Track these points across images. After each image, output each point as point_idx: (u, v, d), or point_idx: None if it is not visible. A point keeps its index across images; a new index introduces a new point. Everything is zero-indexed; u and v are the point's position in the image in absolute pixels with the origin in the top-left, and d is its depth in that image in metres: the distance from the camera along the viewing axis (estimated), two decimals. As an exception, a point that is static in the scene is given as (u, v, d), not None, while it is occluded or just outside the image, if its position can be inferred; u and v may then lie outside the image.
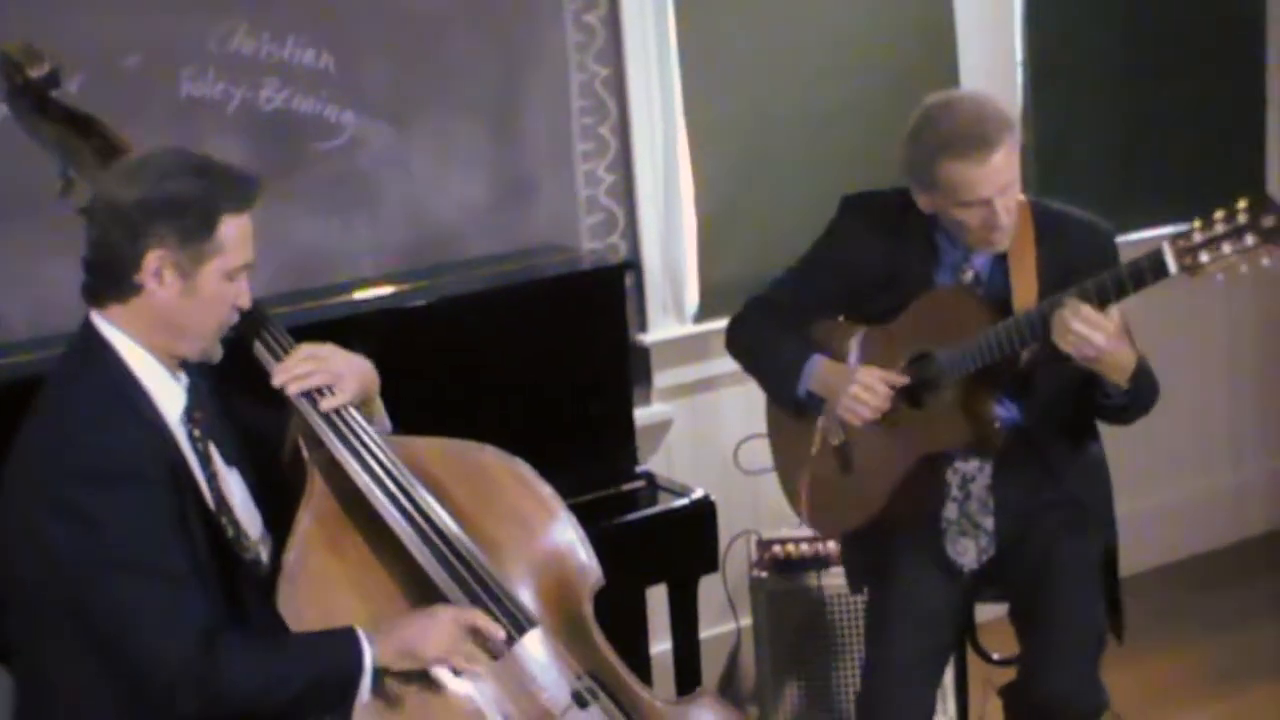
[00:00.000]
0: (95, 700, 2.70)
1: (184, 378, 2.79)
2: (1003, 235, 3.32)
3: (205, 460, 2.78)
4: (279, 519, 2.90)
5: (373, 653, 2.72)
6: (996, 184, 3.25)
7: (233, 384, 2.94)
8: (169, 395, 2.75)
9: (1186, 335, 5.22)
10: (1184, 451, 5.34)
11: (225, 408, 2.92)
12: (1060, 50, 4.93)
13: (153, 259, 2.66)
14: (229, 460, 2.85)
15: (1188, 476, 5.38)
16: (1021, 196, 3.39)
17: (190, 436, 2.77)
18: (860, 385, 3.41)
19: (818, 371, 3.49)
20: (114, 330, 2.72)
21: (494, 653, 2.84)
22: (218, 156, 2.79)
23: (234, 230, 2.70)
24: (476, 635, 2.81)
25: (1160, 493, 5.24)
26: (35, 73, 3.03)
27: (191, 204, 2.66)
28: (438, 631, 2.78)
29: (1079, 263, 3.26)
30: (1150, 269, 3.10)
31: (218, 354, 2.81)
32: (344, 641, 2.73)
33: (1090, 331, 3.11)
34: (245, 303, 2.78)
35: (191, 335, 2.74)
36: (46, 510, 2.61)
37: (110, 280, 2.70)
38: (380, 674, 2.74)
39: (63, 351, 2.79)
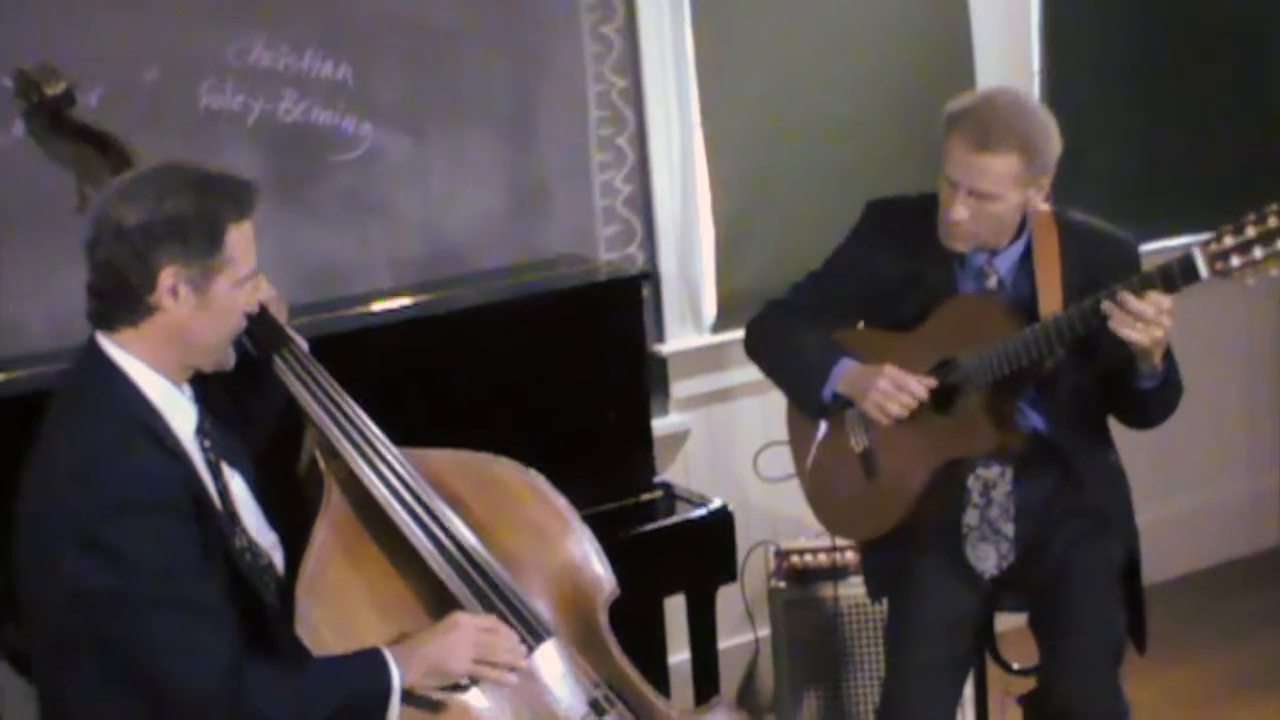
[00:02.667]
0: None
1: (188, 389, 2.77)
2: (950, 231, 3.31)
3: (216, 472, 2.77)
4: (294, 530, 2.90)
5: (400, 673, 2.71)
6: (968, 177, 3.24)
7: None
8: (181, 415, 2.73)
9: (1204, 344, 5.19)
10: (1201, 461, 5.33)
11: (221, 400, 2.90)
12: (1077, 59, 4.92)
13: (167, 277, 2.63)
14: (234, 464, 2.84)
15: (1205, 486, 5.37)
16: (1045, 206, 3.38)
17: (203, 449, 2.76)
18: (888, 379, 3.39)
19: (847, 374, 3.47)
20: (123, 354, 2.68)
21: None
22: (231, 167, 2.78)
23: (239, 239, 2.69)
24: (495, 644, 2.80)
25: (1178, 502, 5.23)
26: (51, 91, 3.05)
27: (196, 219, 2.63)
28: (461, 645, 2.77)
29: (1103, 274, 3.25)
30: (1181, 272, 3.10)
31: (231, 360, 2.80)
32: (371, 664, 2.71)
33: (1160, 315, 3.11)
34: (254, 308, 2.79)
35: (207, 348, 2.73)
36: (75, 548, 2.56)
37: (123, 303, 2.66)
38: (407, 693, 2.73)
39: (69, 373, 2.75)
